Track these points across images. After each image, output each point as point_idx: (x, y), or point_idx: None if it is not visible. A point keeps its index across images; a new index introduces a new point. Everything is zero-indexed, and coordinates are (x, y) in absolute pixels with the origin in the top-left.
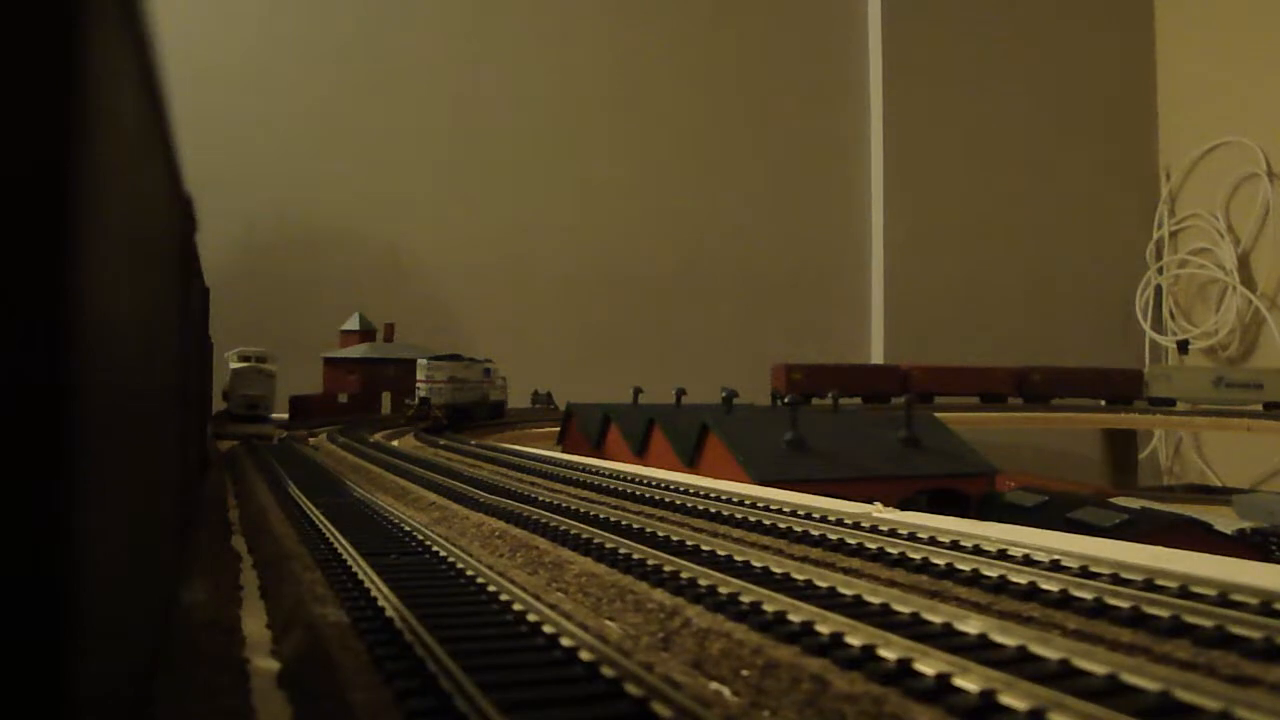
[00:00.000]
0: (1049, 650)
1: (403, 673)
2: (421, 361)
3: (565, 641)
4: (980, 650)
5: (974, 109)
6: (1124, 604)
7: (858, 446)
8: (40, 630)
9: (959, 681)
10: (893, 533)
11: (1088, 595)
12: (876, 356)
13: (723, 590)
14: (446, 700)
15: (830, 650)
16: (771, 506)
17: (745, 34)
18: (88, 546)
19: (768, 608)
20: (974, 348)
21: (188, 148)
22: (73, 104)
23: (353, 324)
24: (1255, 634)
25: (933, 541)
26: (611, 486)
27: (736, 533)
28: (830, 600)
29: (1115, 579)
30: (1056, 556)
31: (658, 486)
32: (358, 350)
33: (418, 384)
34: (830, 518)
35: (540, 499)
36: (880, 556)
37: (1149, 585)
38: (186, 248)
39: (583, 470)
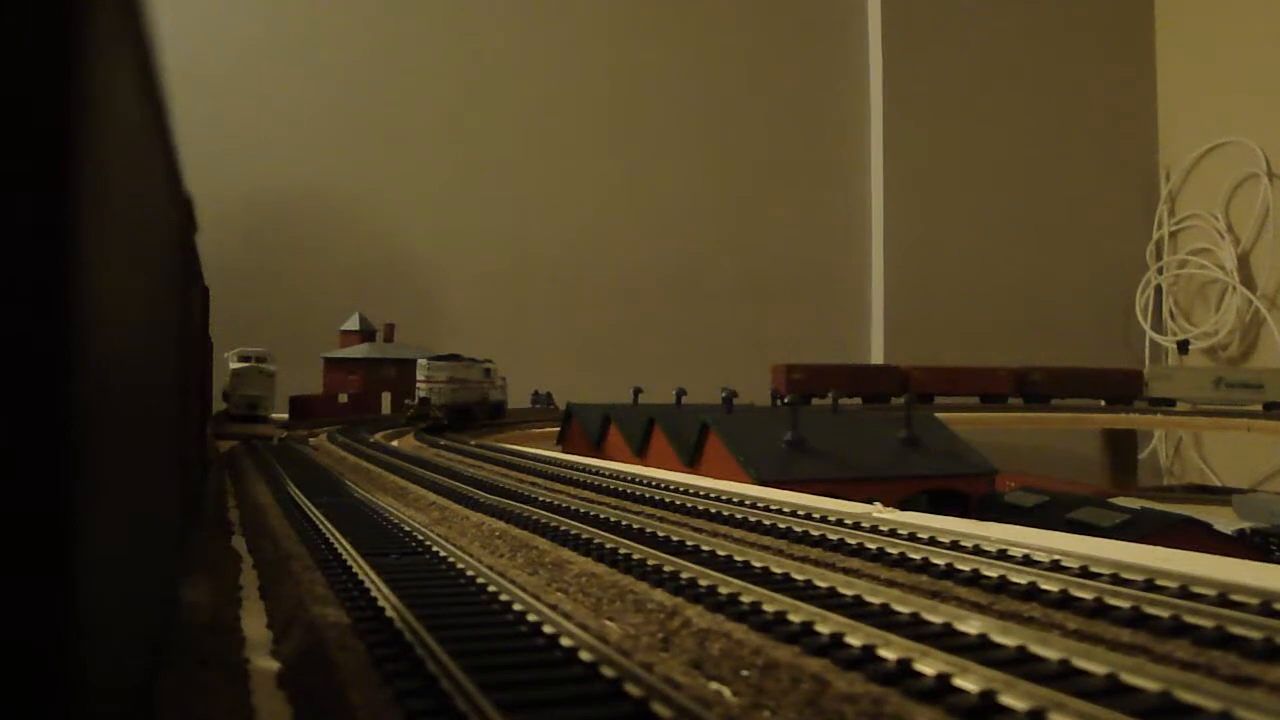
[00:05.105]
0: (1049, 650)
1: (403, 673)
2: (421, 361)
3: (565, 642)
4: (980, 650)
5: (975, 109)
6: (1124, 604)
7: (858, 446)
8: (43, 629)
9: (959, 681)
10: (893, 533)
11: (1088, 595)
12: (876, 356)
13: (723, 590)
14: (446, 700)
15: (830, 650)
16: (771, 506)
17: (745, 36)
18: (89, 546)
19: (768, 608)
20: (974, 348)
21: (188, 148)
22: (73, 104)
23: (353, 324)
24: (1255, 634)
25: (933, 542)
26: (611, 486)
27: (737, 533)
28: (830, 600)
29: (1115, 579)
30: (1056, 556)
31: (658, 486)
32: (358, 350)
33: (418, 384)
34: (830, 518)
35: (540, 499)
36: (880, 557)
37: (1149, 585)
38: (186, 248)
39: (583, 470)
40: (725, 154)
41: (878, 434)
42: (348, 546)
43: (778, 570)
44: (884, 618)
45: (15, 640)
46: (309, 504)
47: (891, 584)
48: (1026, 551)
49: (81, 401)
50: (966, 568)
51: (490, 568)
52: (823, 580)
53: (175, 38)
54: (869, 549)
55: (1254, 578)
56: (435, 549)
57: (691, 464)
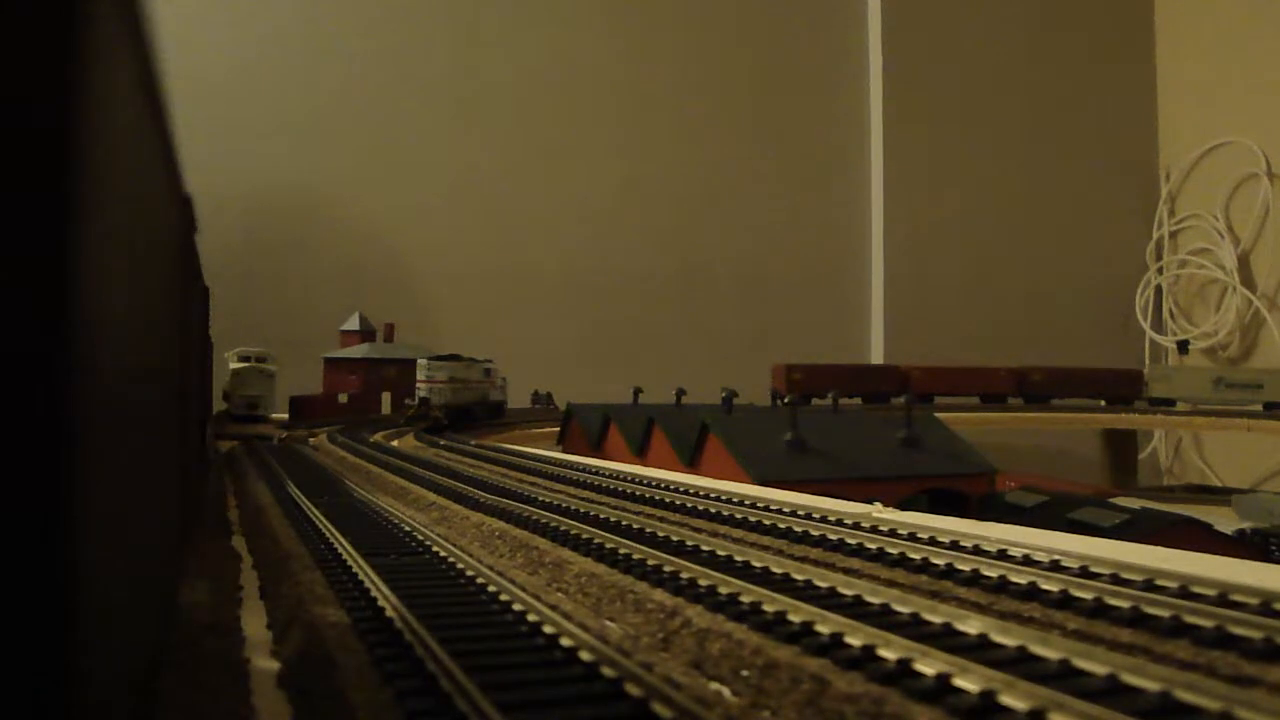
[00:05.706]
0: (1049, 650)
1: (403, 673)
2: (421, 361)
3: (565, 642)
4: (980, 650)
5: (974, 109)
6: (1124, 604)
7: (858, 446)
8: (43, 630)
9: (959, 681)
10: (893, 533)
11: (1088, 595)
12: (876, 356)
13: (723, 590)
14: (446, 701)
15: (830, 650)
16: (771, 506)
17: (746, 36)
18: (88, 546)
19: (768, 608)
20: (974, 348)
21: (188, 148)
22: (73, 104)
23: (353, 324)
24: (1255, 634)
25: (933, 541)
26: (611, 486)
27: (736, 533)
28: (830, 600)
29: (1115, 579)
30: (1056, 556)
31: (658, 486)
32: (358, 350)
33: (418, 384)
34: (830, 518)
35: (540, 499)
36: (880, 557)
37: (1149, 585)
38: (186, 248)
39: (583, 470)
40: (725, 154)
41: (878, 434)
42: (347, 546)
43: (778, 570)
44: (884, 618)
45: (15, 640)
46: (309, 504)
47: (891, 584)
48: (1026, 551)
49: (81, 401)
50: (966, 568)
51: (490, 568)
52: (823, 580)
53: (175, 38)
54: (869, 549)
55: (1254, 578)
56: (435, 549)
57: (691, 464)
